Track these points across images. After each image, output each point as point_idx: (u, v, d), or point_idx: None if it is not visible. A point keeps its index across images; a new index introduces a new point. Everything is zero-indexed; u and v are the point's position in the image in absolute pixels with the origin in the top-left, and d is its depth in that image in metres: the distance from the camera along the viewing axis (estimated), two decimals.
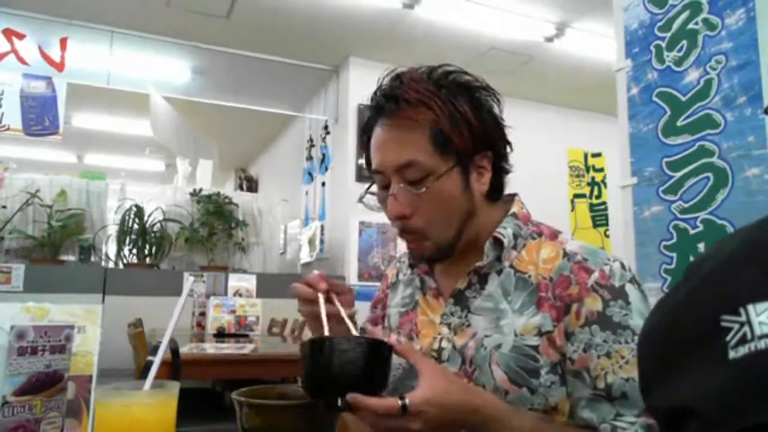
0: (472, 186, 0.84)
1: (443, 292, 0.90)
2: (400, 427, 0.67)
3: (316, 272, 0.85)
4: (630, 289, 0.78)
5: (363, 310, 1.08)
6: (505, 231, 0.85)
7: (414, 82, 0.83)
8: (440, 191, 0.81)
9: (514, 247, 0.86)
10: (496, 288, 0.84)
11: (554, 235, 0.87)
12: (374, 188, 0.90)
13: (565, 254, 0.82)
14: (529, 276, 0.83)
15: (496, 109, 0.87)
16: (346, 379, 0.66)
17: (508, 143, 0.89)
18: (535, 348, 0.78)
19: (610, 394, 0.74)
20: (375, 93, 0.87)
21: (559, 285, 0.80)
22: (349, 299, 0.86)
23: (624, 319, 0.76)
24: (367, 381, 0.67)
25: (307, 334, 3.44)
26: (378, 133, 0.85)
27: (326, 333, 0.77)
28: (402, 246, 4.41)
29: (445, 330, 0.87)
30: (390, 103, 0.83)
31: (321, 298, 0.82)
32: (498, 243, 0.84)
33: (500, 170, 0.88)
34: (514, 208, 0.89)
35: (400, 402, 0.65)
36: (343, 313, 0.81)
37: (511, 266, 0.84)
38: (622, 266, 0.80)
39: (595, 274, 0.78)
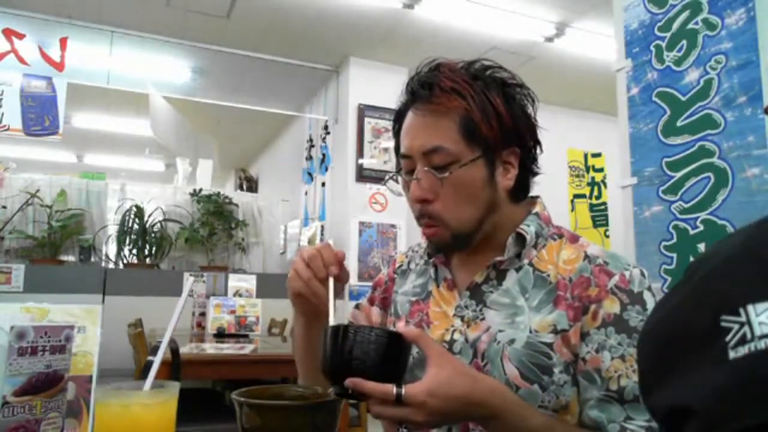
0: (496, 179, 0.84)
1: (458, 284, 0.90)
2: (403, 417, 0.66)
3: (330, 242, 0.85)
4: (648, 296, 0.79)
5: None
6: (528, 228, 0.85)
7: (450, 71, 0.84)
8: (463, 179, 0.81)
9: (535, 246, 0.86)
10: (513, 284, 0.84)
11: (575, 238, 0.88)
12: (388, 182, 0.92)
13: (586, 257, 0.83)
14: (548, 275, 0.83)
15: (529, 109, 0.87)
16: (357, 368, 0.66)
17: (539, 143, 0.89)
18: (549, 345, 0.78)
19: (623, 397, 0.75)
20: (411, 80, 0.87)
21: (578, 285, 0.80)
22: (341, 288, 0.86)
23: (640, 324, 0.76)
24: (378, 372, 0.66)
25: None
26: (410, 117, 0.86)
27: (331, 320, 0.76)
28: (402, 247, 4.41)
29: (458, 322, 0.87)
30: (424, 90, 0.84)
31: (331, 281, 0.82)
32: (520, 239, 0.85)
33: (528, 170, 0.89)
34: (537, 209, 0.90)
35: (395, 390, 0.64)
36: (332, 303, 0.80)
37: (531, 264, 0.85)
38: (642, 273, 0.81)
39: (616, 278, 0.79)
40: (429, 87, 0.83)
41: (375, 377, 0.66)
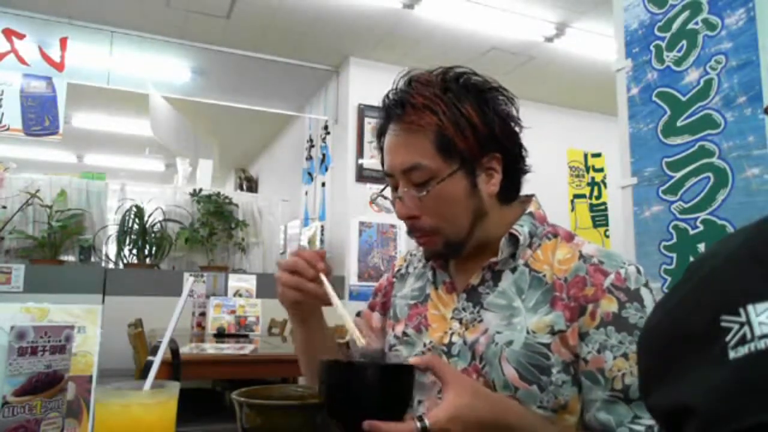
0: (479, 188, 0.84)
1: (457, 287, 0.91)
2: None
3: (303, 244, 0.86)
4: (645, 293, 0.79)
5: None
6: (522, 229, 0.85)
7: (422, 86, 0.84)
8: (443, 193, 0.82)
9: (530, 246, 0.86)
10: (509, 285, 0.85)
11: (570, 236, 0.88)
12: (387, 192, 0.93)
13: (581, 256, 0.83)
14: (544, 275, 0.83)
15: (511, 110, 0.87)
16: (364, 405, 0.65)
17: (521, 145, 0.89)
18: (547, 346, 0.78)
19: (628, 396, 0.74)
20: (387, 96, 0.88)
21: (574, 285, 0.80)
22: (330, 279, 0.87)
23: (639, 321, 0.76)
24: (387, 406, 0.65)
25: None
26: (388, 137, 0.87)
27: (338, 308, 0.76)
28: (402, 247, 4.41)
29: (456, 325, 0.87)
30: (398, 108, 0.84)
31: (324, 278, 0.83)
32: (513, 240, 0.85)
33: (514, 171, 0.88)
34: (531, 208, 0.90)
35: (419, 424, 0.63)
36: (334, 296, 0.81)
37: (526, 264, 0.85)
38: (638, 270, 0.81)
39: (611, 277, 0.79)
40: (401, 105, 0.84)
41: (385, 415, 0.64)
